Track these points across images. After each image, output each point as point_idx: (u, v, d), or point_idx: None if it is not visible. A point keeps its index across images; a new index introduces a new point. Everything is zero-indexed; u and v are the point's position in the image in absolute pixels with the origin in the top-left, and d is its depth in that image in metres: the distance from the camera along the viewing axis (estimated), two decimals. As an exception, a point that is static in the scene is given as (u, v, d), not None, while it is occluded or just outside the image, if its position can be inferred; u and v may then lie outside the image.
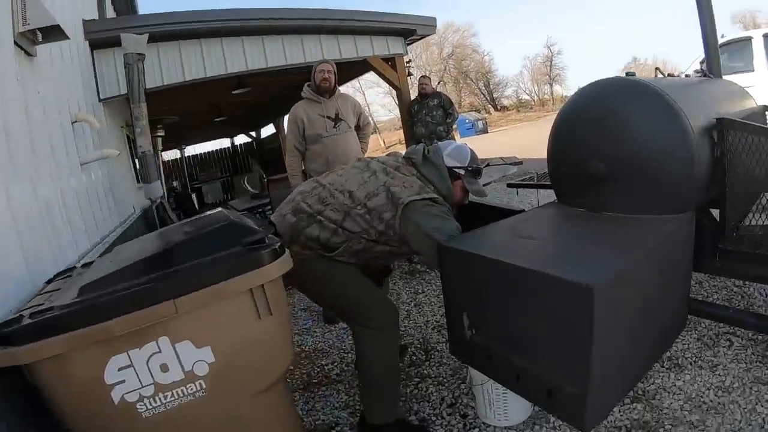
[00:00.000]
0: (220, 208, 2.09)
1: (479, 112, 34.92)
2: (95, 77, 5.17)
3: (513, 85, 44.98)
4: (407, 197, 2.01)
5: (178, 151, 15.92)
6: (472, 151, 2.26)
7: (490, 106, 42.38)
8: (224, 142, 18.41)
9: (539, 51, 52.44)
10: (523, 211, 2.15)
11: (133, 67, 4.76)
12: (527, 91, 44.43)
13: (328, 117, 3.91)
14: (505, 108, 42.38)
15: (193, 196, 13.44)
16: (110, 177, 4.68)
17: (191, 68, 5.68)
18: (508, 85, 45.00)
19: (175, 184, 14.52)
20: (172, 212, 7.98)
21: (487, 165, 5.06)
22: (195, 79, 5.74)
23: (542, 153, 7.30)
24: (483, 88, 43.08)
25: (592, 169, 1.80)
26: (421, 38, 7.73)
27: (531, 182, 2.50)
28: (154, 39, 5.34)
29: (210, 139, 17.69)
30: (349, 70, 7.38)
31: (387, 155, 2.37)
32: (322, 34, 6.35)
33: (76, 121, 3.50)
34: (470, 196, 2.27)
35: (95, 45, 5.11)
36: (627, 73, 2.05)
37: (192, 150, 18.60)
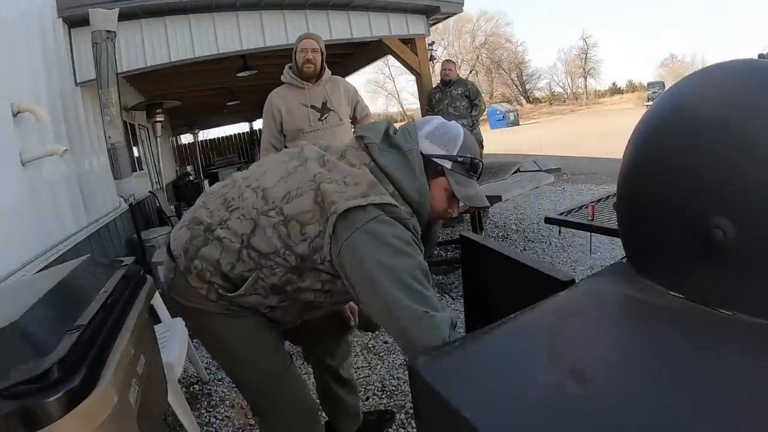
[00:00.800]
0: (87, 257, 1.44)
1: (511, 104, 33.53)
2: (72, 59, 4.50)
3: (546, 77, 43.73)
4: (344, 201, 1.22)
5: (191, 135, 15.35)
6: (466, 132, 1.42)
7: (522, 97, 40.99)
8: (243, 126, 17.85)
9: (574, 43, 50.55)
10: (567, 283, 1.22)
11: (101, 46, 4.10)
12: (561, 84, 42.88)
13: (313, 107, 3.08)
14: (537, 100, 40.90)
15: (206, 182, 12.85)
16: (81, 172, 4.17)
17: (177, 48, 4.92)
18: (541, 77, 43.57)
19: (189, 169, 14.02)
20: (167, 204, 7.36)
21: (517, 170, 4.19)
22: (182, 60, 5.00)
23: (579, 150, 6.42)
24: (515, 79, 41.65)
25: (707, 230, 0.93)
26: (446, 17, 6.80)
27: (581, 221, 1.59)
28: (137, 15, 4.63)
29: (227, 124, 17.19)
30: (362, 52, 6.54)
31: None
32: (329, 9, 5.51)
33: (20, 112, 2.95)
34: (460, 205, 1.44)
35: (73, 23, 4.48)
36: (759, 56, 1.16)
37: (207, 134, 18.22)
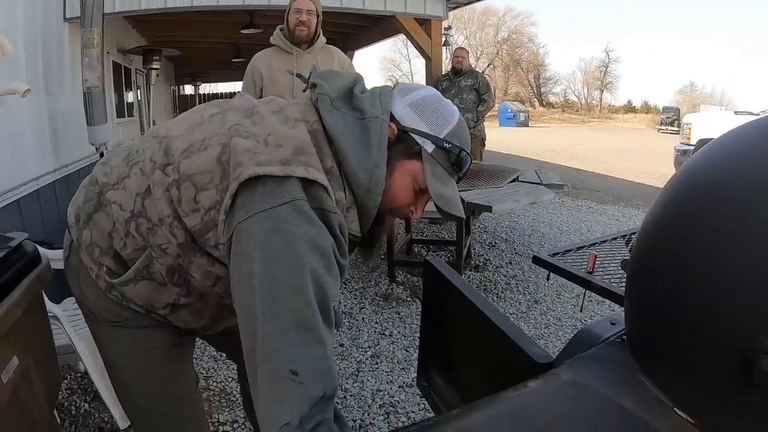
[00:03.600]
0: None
1: (523, 104, 33.07)
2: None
3: (563, 84, 42.93)
4: (253, 165, 0.85)
5: (192, 88, 15.03)
6: (462, 118, 1.05)
7: (535, 99, 40.51)
8: (248, 86, 17.49)
9: (596, 54, 49.83)
10: (543, 367, 0.88)
11: None
12: (576, 93, 42.33)
13: (299, 76, 2.76)
14: (550, 105, 40.45)
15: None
16: (55, 113, 3.91)
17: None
18: (558, 82, 42.95)
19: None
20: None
21: (516, 179, 3.88)
22: (179, 6, 4.65)
23: (584, 163, 6.19)
24: (532, 80, 41.10)
25: (751, 353, 0.62)
26: (468, 3, 6.41)
27: (578, 271, 1.28)
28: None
29: (232, 80, 16.80)
30: (371, 27, 6.18)
31: None
32: (343, -26, 5.14)
33: None
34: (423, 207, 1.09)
35: None
36: None
37: (212, 89, 17.93)
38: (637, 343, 0.89)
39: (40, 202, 3.43)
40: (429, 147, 0.99)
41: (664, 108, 29.46)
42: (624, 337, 0.96)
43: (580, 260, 1.41)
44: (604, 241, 1.58)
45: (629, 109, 39.65)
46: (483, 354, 1.12)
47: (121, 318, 1.08)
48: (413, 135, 0.99)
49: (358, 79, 1.04)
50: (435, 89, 1.09)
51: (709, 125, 6.42)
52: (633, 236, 1.68)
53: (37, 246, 1.28)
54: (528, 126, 26.27)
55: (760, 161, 0.75)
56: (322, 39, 2.85)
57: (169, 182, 0.93)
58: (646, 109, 38.58)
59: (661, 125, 25.88)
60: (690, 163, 0.88)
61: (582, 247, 1.49)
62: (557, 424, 0.75)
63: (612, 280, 1.25)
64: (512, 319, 3.10)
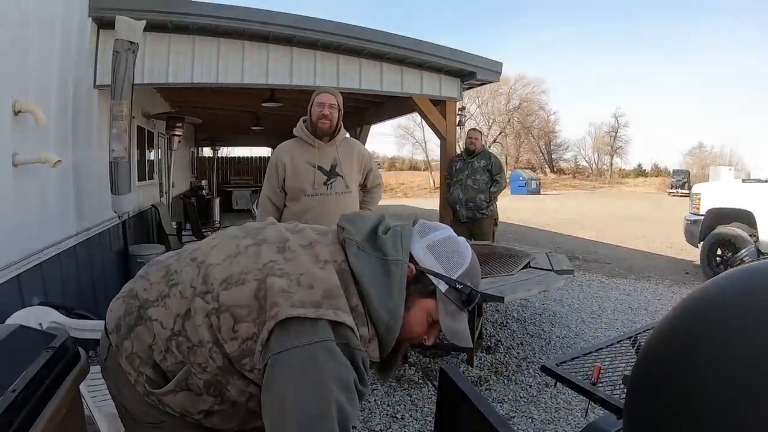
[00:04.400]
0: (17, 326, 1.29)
1: (534, 171, 33.41)
2: (96, 60, 4.44)
3: (573, 150, 43.45)
4: (288, 306, 0.97)
5: (211, 150, 15.43)
6: (474, 256, 1.17)
7: (546, 166, 40.95)
8: (266, 151, 17.95)
9: (606, 119, 50.69)
10: None
11: (121, 56, 4.06)
12: (587, 158, 42.80)
13: (320, 168, 2.88)
14: (561, 171, 40.80)
15: (217, 201, 12.79)
16: (81, 177, 4.02)
17: (202, 71, 4.85)
18: (569, 148, 43.46)
19: (203, 183, 14.00)
20: (168, 221, 7.20)
21: (527, 265, 3.93)
22: (205, 83, 4.91)
23: (594, 233, 6.15)
24: (543, 146, 41.66)
25: None
26: (481, 84, 6.71)
27: (581, 382, 1.34)
28: (167, 29, 4.57)
29: (250, 145, 17.34)
30: (387, 104, 6.44)
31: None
32: (362, 58, 5.42)
33: (21, 111, 2.83)
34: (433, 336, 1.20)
35: (103, 24, 4.44)
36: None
37: (229, 152, 18.41)
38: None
39: (61, 266, 3.50)
40: (443, 287, 1.11)
41: (674, 171, 29.71)
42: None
43: (587, 367, 1.47)
44: (611, 345, 1.64)
45: (639, 173, 39.95)
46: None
47: (158, 420, 1.16)
48: (429, 276, 1.11)
49: (381, 219, 1.19)
50: (449, 229, 1.20)
51: (718, 195, 6.50)
52: (639, 336, 1.74)
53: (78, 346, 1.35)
54: (539, 193, 26.45)
55: (747, 307, 0.85)
56: (343, 132, 2.98)
57: (209, 310, 1.04)
58: (656, 172, 38.87)
59: (671, 188, 26.02)
60: (686, 303, 0.98)
61: (588, 353, 1.55)
62: None
63: (615, 391, 1.31)
64: (523, 402, 3.11)
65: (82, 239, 3.92)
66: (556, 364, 1.44)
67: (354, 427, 0.99)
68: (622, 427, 1.06)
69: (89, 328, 2.62)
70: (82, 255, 3.95)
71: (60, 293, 3.41)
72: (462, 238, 1.20)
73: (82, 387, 2.07)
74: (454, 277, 1.11)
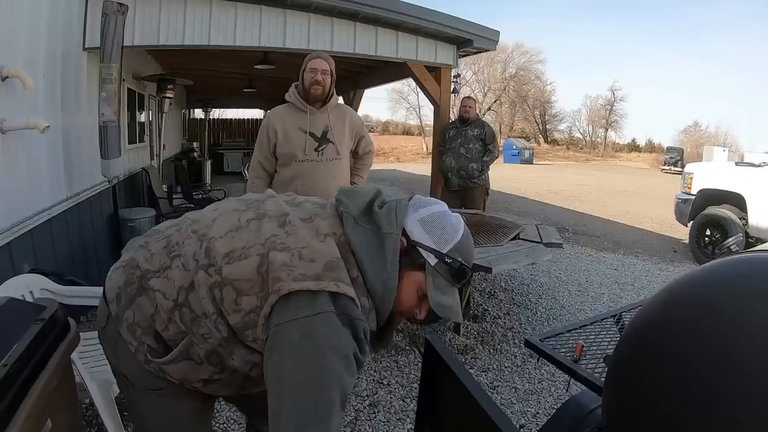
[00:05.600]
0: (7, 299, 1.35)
1: (528, 140, 33.26)
2: (84, 22, 4.33)
3: (568, 121, 43.12)
4: (290, 281, 1.00)
5: (203, 112, 15.21)
6: (465, 229, 1.19)
7: (540, 136, 40.75)
8: (258, 113, 17.74)
9: (602, 93, 50.24)
10: None
11: (110, 18, 3.99)
12: (581, 130, 42.44)
13: (312, 134, 2.87)
14: (555, 142, 40.55)
15: (209, 163, 12.69)
16: (70, 142, 3.99)
17: (194, 33, 4.76)
18: (563, 119, 43.01)
19: (195, 145, 13.85)
20: (159, 184, 7.14)
21: (517, 236, 3.97)
22: (197, 45, 4.82)
23: (585, 205, 6.16)
24: (538, 116, 41.37)
25: None
26: (477, 52, 6.61)
27: (563, 359, 1.37)
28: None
29: (242, 107, 17.09)
30: (381, 69, 6.37)
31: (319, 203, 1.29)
32: (357, 22, 5.33)
33: (7, 77, 2.81)
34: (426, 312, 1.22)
35: None
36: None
37: (221, 113, 18.18)
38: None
39: (52, 232, 3.49)
40: (432, 260, 1.13)
41: (668, 148, 29.58)
42: (598, 428, 1.06)
43: (571, 344, 1.50)
44: (595, 322, 1.67)
45: (633, 147, 39.77)
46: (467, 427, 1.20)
47: (157, 387, 1.20)
48: (420, 249, 1.12)
49: (378, 194, 1.20)
50: (443, 204, 1.21)
51: (710, 175, 6.53)
52: (623, 315, 1.77)
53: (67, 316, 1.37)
54: (532, 163, 26.39)
55: (734, 296, 0.87)
56: (336, 98, 2.97)
57: (212, 282, 1.07)
58: (650, 148, 38.69)
59: (664, 165, 26.03)
60: (673, 288, 0.99)
61: (572, 330, 1.58)
62: None
63: (596, 369, 1.34)
64: (507, 372, 3.18)
65: (72, 204, 3.91)
66: (540, 339, 1.48)
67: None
68: (600, 404, 1.10)
69: (80, 294, 2.64)
70: (73, 220, 3.94)
71: (51, 259, 3.42)
72: (456, 214, 1.21)
73: (74, 354, 2.10)
74: (444, 251, 1.13)
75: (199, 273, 1.09)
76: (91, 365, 2.30)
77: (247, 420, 1.81)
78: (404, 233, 1.14)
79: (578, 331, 1.59)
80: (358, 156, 3.18)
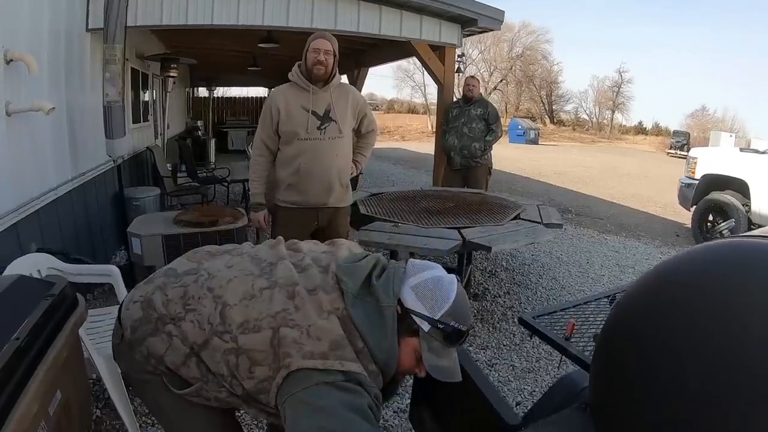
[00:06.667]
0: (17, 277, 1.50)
1: (534, 121, 32.96)
2: (87, 4, 4.34)
3: (575, 102, 42.68)
4: (300, 358, 1.10)
5: (207, 91, 15.13)
6: (459, 292, 1.23)
7: (546, 116, 40.41)
8: (262, 91, 17.64)
9: (610, 74, 49.52)
10: (513, 428, 1.04)
11: None
12: (587, 112, 42.05)
13: (314, 113, 2.89)
14: (561, 122, 40.21)
15: (213, 142, 12.70)
16: (74, 122, 3.99)
17: (197, 11, 4.75)
18: (570, 100, 42.57)
19: (199, 123, 13.84)
20: (164, 164, 7.17)
21: (518, 216, 3.99)
22: (199, 24, 4.81)
23: (590, 187, 6.12)
24: (544, 97, 40.96)
25: None
26: (482, 32, 6.55)
27: (556, 337, 1.41)
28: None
29: (246, 85, 16.99)
30: (385, 48, 6.33)
31: (324, 251, 1.38)
32: (361, 0, 5.27)
33: (12, 60, 2.82)
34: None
35: None
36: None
37: (225, 92, 18.11)
38: (597, 410, 1.03)
39: (58, 212, 3.52)
40: (426, 327, 1.19)
41: (674, 132, 29.23)
42: (585, 404, 1.11)
43: (563, 322, 1.54)
44: (588, 302, 1.71)
45: (640, 130, 39.38)
46: (465, 408, 1.26)
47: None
48: (414, 316, 1.19)
49: (376, 263, 1.28)
50: (438, 267, 1.27)
51: (715, 161, 6.49)
52: (617, 295, 1.80)
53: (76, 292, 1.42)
54: (537, 144, 26.18)
55: (708, 282, 0.90)
56: (338, 77, 2.97)
57: (227, 348, 1.17)
58: (657, 131, 38.28)
59: (670, 149, 25.78)
60: (661, 269, 1.02)
61: (566, 309, 1.62)
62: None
63: (587, 348, 1.38)
64: (506, 350, 3.23)
65: (77, 184, 3.95)
66: (534, 317, 1.52)
67: None
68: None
69: (87, 272, 2.69)
70: (78, 200, 3.98)
71: (57, 239, 3.46)
72: (450, 276, 1.26)
73: (81, 330, 2.16)
74: (437, 317, 1.19)
75: (214, 339, 1.18)
76: (97, 341, 2.36)
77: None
78: (399, 301, 1.20)
79: (572, 310, 1.63)
80: (361, 135, 3.21)
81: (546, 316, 1.55)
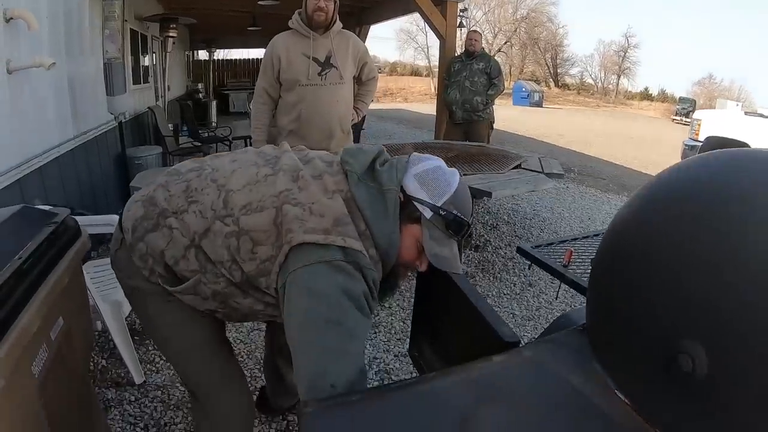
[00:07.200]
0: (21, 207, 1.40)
1: (539, 83, 32.58)
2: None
3: (580, 66, 42.02)
4: (301, 233, 1.09)
5: (207, 53, 14.94)
6: (461, 182, 1.23)
7: (551, 80, 39.84)
8: (263, 53, 17.35)
9: (616, 38, 48.58)
10: (510, 345, 1.06)
11: None
12: (593, 76, 41.44)
13: (315, 59, 2.88)
14: (566, 86, 39.66)
15: (214, 103, 12.62)
16: (75, 81, 3.95)
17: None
18: (575, 64, 41.90)
19: (200, 86, 13.70)
20: (165, 123, 7.13)
21: (519, 165, 3.98)
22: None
23: (593, 149, 6.09)
24: (549, 60, 40.30)
25: (672, 352, 0.77)
26: (485, -14, 6.43)
27: (554, 264, 1.42)
28: None
29: (246, 47, 16.75)
30: (386, 3, 6.22)
31: (327, 155, 1.36)
32: (361, -48, 5.17)
33: (12, 18, 2.77)
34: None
35: None
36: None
37: (226, 54, 17.86)
38: (592, 330, 1.05)
39: (60, 169, 3.53)
40: (427, 213, 1.19)
41: (680, 99, 28.75)
42: (583, 326, 1.12)
43: (561, 252, 1.55)
44: (587, 237, 1.72)
45: (645, 96, 38.82)
46: (463, 330, 1.28)
47: (166, 297, 1.29)
48: (416, 202, 1.19)
49: (380, 153, 1.27)
50: (439, 159, 1.27)
51: (719, 123, 6.43)
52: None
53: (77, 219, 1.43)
54: (542, 106, 25.91)
55: (700, 204, 0.89)
56: (339, 24, 2.95)
57: (228, 232, 1.16)
58: (663, 97, 37.72)
59: (676, 116, 25.45)
60: (653, 185, 1.02)
61: (564, 241, 1.63)
62: (511, 393, 0.92)
63: (584, 275, 1.40)
64: (506, 299, 3.27)
65: (79, 143, 3.94)
66: (532, 247, 1.53)
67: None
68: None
69: (90, 222, 2.71)
70: (81, 158, 3.98)
71: (60, 196, 3.47)
72: (452, 169, 1.26)
73: (87, 279, 2.20)
74: (439, 204, 1.19)
75: (216, 223, 1.17)
76: (101, 289, 2.39)
77: (267, 354, 1.97)
78: (401, 189, 1.20)
79: (569, 243, 1.64)
80: (362, 82, 3.20)
81: (544, 247, 1.56)
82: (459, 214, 1.19)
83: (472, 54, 5.37)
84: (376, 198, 1.17)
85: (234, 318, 1.37)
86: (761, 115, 6.21)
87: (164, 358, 2.35)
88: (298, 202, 1.14)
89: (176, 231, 1.20)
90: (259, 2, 7.16)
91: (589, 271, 1.42)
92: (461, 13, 6.47)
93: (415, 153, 1.30)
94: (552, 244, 1.59)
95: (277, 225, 1.13)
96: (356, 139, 3.76)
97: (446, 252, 1.22)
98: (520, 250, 1.53)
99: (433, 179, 1.21)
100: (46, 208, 2.43)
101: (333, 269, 1.06)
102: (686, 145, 6.71)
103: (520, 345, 1.09)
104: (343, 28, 3.04)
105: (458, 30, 6.44)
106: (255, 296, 1.22)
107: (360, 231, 1.14)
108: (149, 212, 1.24)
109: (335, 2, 2.87)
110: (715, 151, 0.99)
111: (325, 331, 1.03)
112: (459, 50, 6.27)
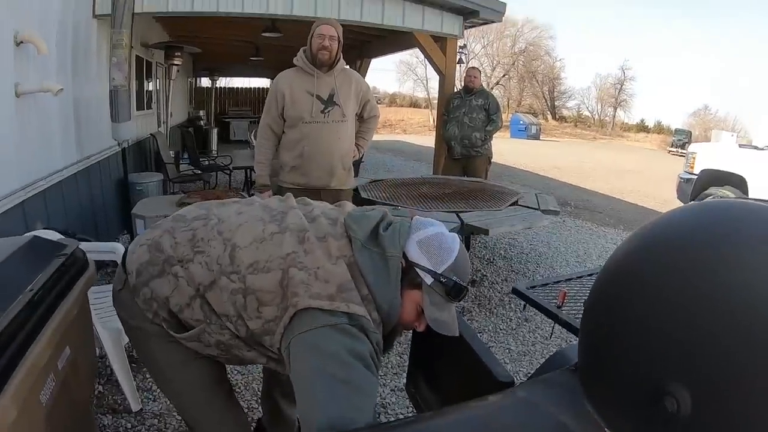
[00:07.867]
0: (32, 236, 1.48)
1: (536, 116, 32.94)
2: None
3: (577, 98, 42.61)
4: (307, 298, 1.13)
5: (209, 81, 15.15)
6: (461, 249, 1.28)
7: (548, 112, 40.30)
8: (265, 82, 17.64)
9: (613, 71, 49.36)
10: (504, 385, 1.10)
11: None
12: (590, 108, 41.93)
13: (318, 97, 2.95)
14: (563, 119, 40.09)
15: (215, 131, 12.72)
16: (80, 106, 4.03)
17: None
18: (572, 96, 42.49)
19: (201, 113, 13.85)
20: (167, 150, 7.20)
21: (515, 202, 4.04)
22: (204, 12, 4.86)
23: (590, 183, 6.11)
24: (546, 92, 40.85)
25: (658, 394, 0.82)
26: (484, 23, 6.60)
27: (548, 305, 1.46)
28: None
29: (249, 76, 17.02)
30: (388, 39, 6.37)
31: (332, 208, 1.42)
32: (364, -10, 5.33)
33: (22, 42, 2.85)
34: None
35: None
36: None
37: (228, 82, 18.11)
38: (583, 371, 1.09)
39: (63, 193, 3.56)
40: (428, 280, 1.23)
41: (676, 130, 29.10)
42: (575, 366, 1.16)
43: (555, 293, 1.59)
44: (581, 277, 1.76)
45: (642, 128, 39.20)
46: (459, 369, 1.31)
47: (168, 338, 1.31)
48: (418, 268, 1.23)
49: (383, 217, 1.32)
50: (441, 225, 1.31)
51: (714, 156, 6.49)
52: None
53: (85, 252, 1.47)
54: (539, 139, 26.12)
55: (680, 255, 0.93)
56: (342, 63, 3.04)
57: (234, 288, 1.19)
58: (659, 129, 38.12)
59: (672, 147, 25.70)
60: (646, 231, 1.07)
61: (559, 282, 1.67)
62: (505, 432, 0.95)
63: (577, 316, 1.44)
64: (502, 334, 3.29)
65: (83, 167, 3.99)
66: (527, 287, 1.57)
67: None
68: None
69: (92, 249, 2.73)
70: (83, 182, 4.03)
71: (62, 220, 3.50)
72: (452, 234, 1.31)
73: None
74: (440, 271, 1.23)
75: (222, 278, 1.21)
76: (101, 315, 2.41)
77: (265, 387, 1.97)
78: (403, 254, 1.24)
79: (564, 283, 1.69)
80: (363, 120, 3.27)
81: (539, 288, 1.60)
82: (459, 281, 1.23)
83: (471, 90, 5.48)
84: (378, 264, 1.21)
85: (235, 363, 1.41)
86: (755, 147, 6.29)
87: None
88: (304, 266, 1.18)
89: (182, 280, 1.23)
90: (263, 34, 7.30)
91: (582, 312, 1.47)
92: (460, 50, 6.61)
93: (416, 217, 1.35)
94: (547, 284, 1.63)
95: (283, 287, 1.16)
96: (356, 173, 3.82)
97: (445, 316, 1.26)
98: (515, 291, 1.57)
99: (435, 246, 1.24)
100: (56, 237, 2.51)
101: (339, 332, 1.10)
102: (681, 177, 6.76)
103: (515, 384, 1.12)
104: (344, 61, 3.12)
105: (457, 66, 6.56)
106: (258, 350, 1.25)
107: (363, 296, 1.18)
108: (155, 258, 1.27)
109: (339, 42, 2.96)
110: (708, 201, 1.04)
111: (334, 388, 1.05)
112: (458, 85, 6.40)
